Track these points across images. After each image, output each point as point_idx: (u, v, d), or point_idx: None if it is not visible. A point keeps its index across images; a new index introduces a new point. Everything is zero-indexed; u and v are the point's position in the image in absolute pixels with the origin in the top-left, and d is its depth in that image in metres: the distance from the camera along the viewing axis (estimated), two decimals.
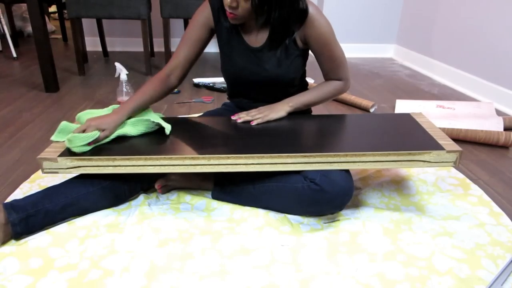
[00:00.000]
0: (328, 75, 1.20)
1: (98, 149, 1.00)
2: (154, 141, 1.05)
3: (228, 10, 1.01)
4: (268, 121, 1.14)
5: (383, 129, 1.12)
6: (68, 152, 0.98)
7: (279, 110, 1.15)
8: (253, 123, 1.13)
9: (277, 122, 1.14)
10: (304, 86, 1.28)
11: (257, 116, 1.13)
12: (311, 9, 1.06)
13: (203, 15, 1.15)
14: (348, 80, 1.21)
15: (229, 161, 0.96)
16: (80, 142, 0.96)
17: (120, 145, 1.02)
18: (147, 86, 1.10)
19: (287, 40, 1.10)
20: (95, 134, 0.97)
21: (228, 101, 1.36)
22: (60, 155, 0.97)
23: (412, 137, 1.06)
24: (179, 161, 0.96)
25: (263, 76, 1.14)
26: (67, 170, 0.97)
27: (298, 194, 1.02)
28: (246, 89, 1.22)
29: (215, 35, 1.19)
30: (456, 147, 0.99)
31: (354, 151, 0.96)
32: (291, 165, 0.96)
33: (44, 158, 0.97)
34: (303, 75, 1.25)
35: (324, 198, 1.00)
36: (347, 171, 1.03)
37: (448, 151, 0.97)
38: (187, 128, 1.14)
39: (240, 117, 1.14)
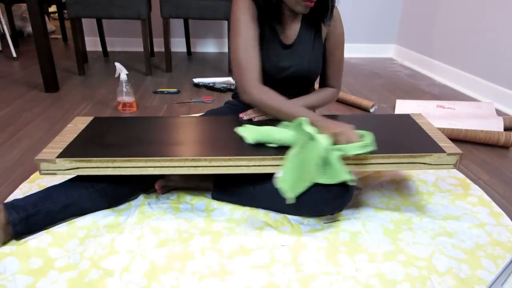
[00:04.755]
0: (327, 80, 1.25)
1: (97, 150, 1.00)
2: (155, 142, 1.04)
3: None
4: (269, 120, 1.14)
5: (383, 130, 1.12)
6: (67, 153, 0.98)
7: None
8: (255, 118, 1.13)
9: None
10: (313, 88, 1.31)
11: (263, 112, 1.14)
12: (335, 10, 1.13)
13: (250, 7, 1.07)
14: (340, 89, 1.28)
15: (230, 163, 0.96)
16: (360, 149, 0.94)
17: (119, 145, 1.02)
18: (279, 95, 1.08)
19: (316, 36, 1.15)
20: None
21: (232, 99, 1.35)
22: (58, 156, 0.96)
23: (412, 140, 1.06)
24: (179, 163, 0.96)
25: (293, 72, 1.15)
26: (66, 171, 0.97)
27: (298, 195, 1.02)
28: (266, 85, 1.20)
29: None
30: (456, 149, 0.99)
31: None
32: None
33: (42, 160, 0.96)
34: None
35: (324, 199, 1.00)
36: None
37: (449, 154, 0.97)
38: (188, 127, 1.14)
39: (247, 114, 1.15)
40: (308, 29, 1.15)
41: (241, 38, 1.06)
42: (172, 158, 0.95)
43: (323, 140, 0.91)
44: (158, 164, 0.96)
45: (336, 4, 1.12)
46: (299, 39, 1.15)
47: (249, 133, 1.02)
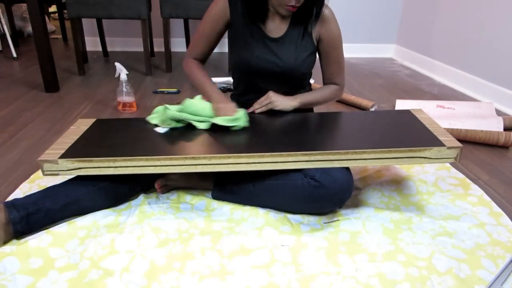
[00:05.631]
0: (328, 79, 1.27)
1: (98, 150, 1.00)
2: (155, 141, 1.05)
3: (293, 4, 1.05)
4: (272, 112, 1.17)
5: (383, 126, 1.12)
6: (70, 154, 0.98)
7: (287, 103, 1.18)
8: (256, 111, 1.18)
9: (277, 120, 1.15)
10: (310, 88, 1.32)
11: (265, 102, 1.17)
12: (328, 11, 1.15)
13: (219, 8, 1.17)
14: (344, 86, 1.29)
15: (230, 161, 0.96)
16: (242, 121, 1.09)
17: (121, 146, 1.02)
18: (202, 70, 1.24)
19: (305, 34, 1.16)
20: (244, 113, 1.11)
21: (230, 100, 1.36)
22: (61, 157, 0.97)
23: (412, 134, 1.06)
24: (179, 161, 0.96)
25: (280, 66, 1.16)
26: (68, 171, 0.98)
27: (298, 191, 1.02)
28: (257, 82, 1.22)
29: None
30: (456, 143, 0.99)
31: (354, 148, 0.96)
32: (292, 163, 0.96)
33: (44, 160, 0.97)
34: (309, 76, 1.29)
35: (324, 195, 1.00)
36: (347, 167, 1.03)
37: (449, 147, 0.97)
38: (187, 127, 1.14)
39: (256, 109, 1.19)
40: (297, 28, 1.17)
41: (203, 25, 1.21)
42: (172, 156, 0.95)
43: (206, 111, 1.11)
44: (158, 163, 0.96)
45: (327, 3, 1.14)
46: (287, 36, 1.16)
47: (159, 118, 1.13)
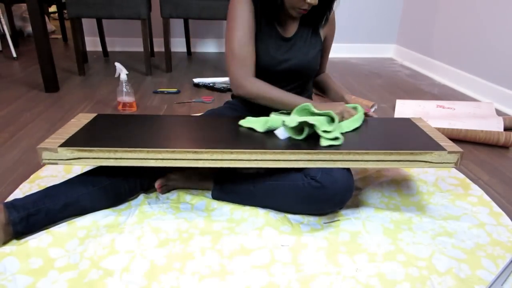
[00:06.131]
0: (321, 69, 1.38)
1: (99, 141, 0.99)
2: (157, 134, 1.04)
3: (306, 8, 1.07)
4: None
5: (384, 130, 1.13)
6: (70, 143, 0.97)
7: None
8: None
9: None
10: (311, 87, 1.36)
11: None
12: (333, 13, 1.22)
13: (249, 8, 1.11)
14: None
15: (232, 156, 0.95)
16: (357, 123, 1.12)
17: (122, 137, 1.02)
18: (273, 87, 1.12)
19: (313, 33, 1.21)
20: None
21: (231, 99, 1.35)
22: (61, 146, 0.95)
23: (413, 139, 1.06)
24: (181, 155, 0.95)
25: (292, 64, 1.19)
26: (67, 161, 0.95)
27: (298, 192, 1.02)
28: (266, 81, 1.21)
29: None
30: (457, 148, 1.00)
31: (356, 149, 0.96)
32: (294, 162, 0.96)
33: (44, 148, 0.95)
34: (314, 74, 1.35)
35: (325, 195, 1.00)
36: (348, 168, 1.03)
37: (450, 152, 0.98)
38: (190, 125, 1.14)
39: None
40: (306, 27, 1.20)
41: (239, 32, 1.09)
42: (174, 150, 0.94)
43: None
44: (159, 156, 0.95)
45: (335, 8, 1.19)
46: (298, 34, 1.20)
47: (255, 123, 1.08)
